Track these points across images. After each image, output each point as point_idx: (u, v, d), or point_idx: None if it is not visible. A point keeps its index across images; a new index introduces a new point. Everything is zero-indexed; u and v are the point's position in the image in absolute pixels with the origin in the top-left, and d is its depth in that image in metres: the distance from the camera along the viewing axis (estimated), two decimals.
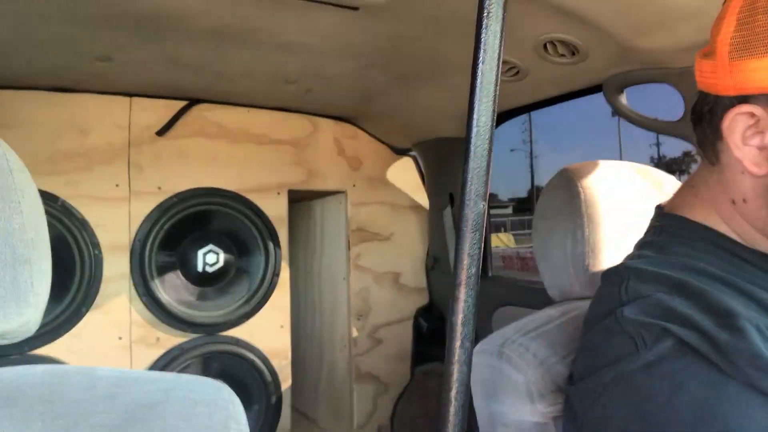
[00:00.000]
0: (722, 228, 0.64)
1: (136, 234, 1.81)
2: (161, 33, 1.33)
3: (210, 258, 1.94)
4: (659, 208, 0.73)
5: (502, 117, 1.85)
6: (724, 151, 0.62)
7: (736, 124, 0.59)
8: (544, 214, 0.95)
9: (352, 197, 2.21)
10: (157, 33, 1.32)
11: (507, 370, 0.76)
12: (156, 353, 1.83)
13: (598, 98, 1.43)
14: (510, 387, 0.75)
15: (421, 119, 2.01)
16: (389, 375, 2.26)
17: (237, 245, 2.00)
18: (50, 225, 0.50)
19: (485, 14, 0.58)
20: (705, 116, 0.63)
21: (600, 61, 1.29)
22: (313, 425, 2.51)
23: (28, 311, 0.47)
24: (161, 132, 1.86)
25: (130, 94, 1.82)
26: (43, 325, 1.67)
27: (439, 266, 2.25)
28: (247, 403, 1.94)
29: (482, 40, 0.58)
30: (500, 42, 0.59)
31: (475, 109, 0.59)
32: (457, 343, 0.61)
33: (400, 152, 2.32)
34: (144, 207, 1.82)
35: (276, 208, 2.03)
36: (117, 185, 1.79)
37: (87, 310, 1.72)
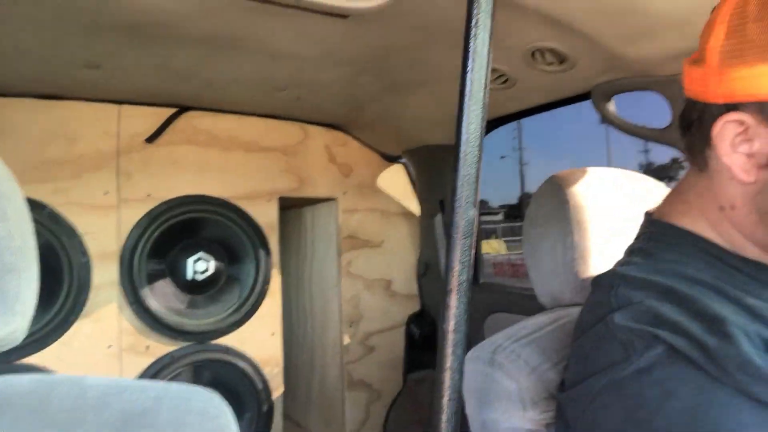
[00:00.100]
0: (710, 234, 0.65)
1: (126, 242, 1.79)
2: (151, 40, 1.32)
3: (200, 266, 1.93)
4: (648, 215, 0.73)
5: (491, 125, 1.86)
6: (713, 157, 0.62)
7: (725, 131, 0.59)
8: (534, 221, 0.95)
9: (342, 204, 2.20)
10: (146, 40, 1.32)
11: (499, 377, 0.76)
12: (146, 361, 1.82)
13: (587, 106, 1.44)
14: (502, 394, 0.75)
15: (411, 126, 2.01)
16: (381, 382, 2.26)
17: (227, 253, 1.99)
18: (38, 233, 0.50)
19: (473, 23, 0.58)
20: (694, 123, 0.64)
21: (588, 69, 1.30)
22: None
23: (15, 320, 0.47)
24: (150, 139, 1.85)
25: (119, 102, 1.81)
26: (31, 334, 1.66)
27: (430, 273, 2.25)
28: (238, 412, 1.92)
29: (471, 48, 0.58)
30: (488, 50, 0.59)
31: (465, 117, 0.59)
32: (449, 351, 0.61)
33: (391, 159, 2.33)
34: (133, 215, 1.81)
35: (266, 216, 2.03)
36: (106, 193, 1.78)
37: (76, 319, 1.70)
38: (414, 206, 2.33)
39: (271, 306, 2.03)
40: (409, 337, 2.29)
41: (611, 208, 0.91)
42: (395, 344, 2.28)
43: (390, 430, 2.25)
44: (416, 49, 1.38)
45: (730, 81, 0.58)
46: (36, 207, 1.65)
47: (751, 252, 0.63)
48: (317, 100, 1.87)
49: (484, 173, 0.62)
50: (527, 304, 1.71)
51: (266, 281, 2.01)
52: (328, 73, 1.59)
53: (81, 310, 1.71)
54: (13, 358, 1.61)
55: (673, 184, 0.75)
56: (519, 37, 1.22)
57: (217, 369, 1.94)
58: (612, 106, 1.39)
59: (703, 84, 0.61)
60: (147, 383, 0.52)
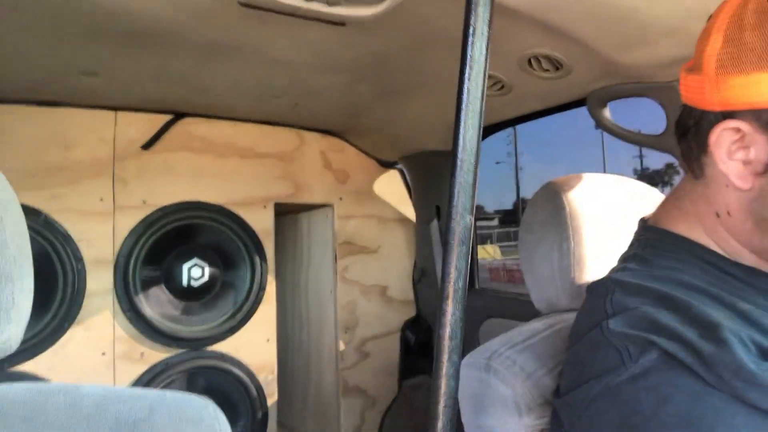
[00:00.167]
0: (706, 241, 0.65)
1: (120, 248, 1.79)
2: (147, 47, 1.32)
3: (195, 272, 1.93)
4: (643, 221, 0.74)
5: (487, 130, 1.87)
6: (709, 164, 0.62)
7: (722, 139, 0.60)
8: (531, 227, 0.95)
9: (338, 210, 2.20)
10: (143, 47, 1.32)
11: (494, 383, 0.76)
12: (140, 369, 1.81)
13: (582, 112, 1.45)
14: (497, 400, 0.75)
15: (407, 133, 2.02)
16: (377, 389, 2.25)
17: (222, 259, 1.98)
18: (33, 239, 0.49)
19: (471, 31, 0.59)
20: (690, 130, 0.64)
21: (583, 76, 1.31)
22: None
23: (9, 328, 0.47)
24: (146, 146, 1.85)
25: (115, 108, 1.81)
26: (24, 341, 1.65)
27: (426, 279, 2.25)
28: (233, 419, 1.91)
29: (468, 56, 0.59)
30: (486, 58, 0.59)
31: (462, 124, 0.59)
32: (445, 357, 0.61)
33: (387, 165, 2.33)
34: (128, 221, 1.81)
35: (262, 222, 2.03)
36: (101, 199, 1.77)
37: (69, 326, 1.70)
38: (410, 212, 2.33)
39: (267, 312, 2.03)
40: (405, 343, 2.29)
41: (607, 214, 0.92)
42: (391, 350, 2.28)
43: None
44: (412, 57, 1.38)
45: (726, 89, 0.58)
46: (32, 213, 1.65)
47: (747, 258, 0.63)
48: (314, 106, 1.87)
49: (480, 179, 0.63)
50: (523, 310, 1.71)
51: (261, 287, 2.01)
52: (325, 80, 1.60)
53: (75, 317, 1.71)
54: (6, 366, 1.60)
55: (668, 189, 0.76)
56: (515, 44, 1.23)
57: (212, 376, 1.93)
58: (607, 113, 1.40)
59: (700, 91, 0.61)
60: (142, 392, 0.52)
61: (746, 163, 0.59)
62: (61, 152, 1.72)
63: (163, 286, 1.89)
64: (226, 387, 1.94)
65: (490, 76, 1.41)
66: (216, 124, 1.97)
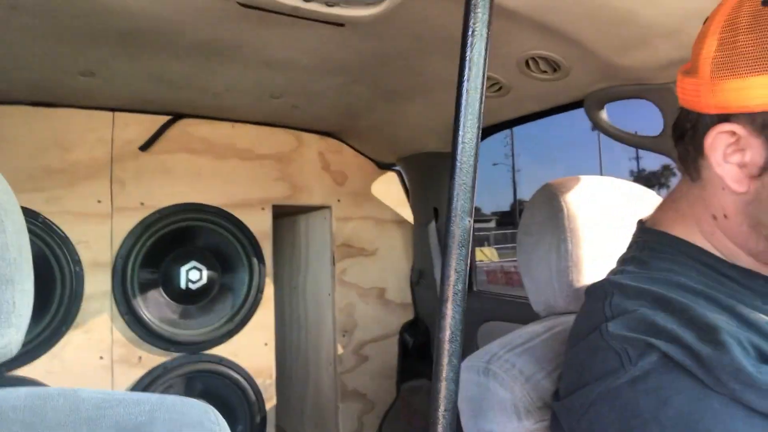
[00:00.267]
0: (703, 243, 0.65)
1: (118, 251, 1.78)
2: (146, 48, 1.32)
3: (193, 275, 1.92)
4: (641, 223, 0.74)
5: (485, 132, 1.87)
6: (706, 167, 0.63)
7: (717, 142, 0.60)
8: (528, 229, 0.95)
9: (336, 212, 2.20)
10: (141, 48, 1.32)
11: (494, 386, 0.76)
12: (138, 373, 1.80)
13: (579, 114, 1.45)
14: (497, 404, 0.75)
15: (405, 134, 2.02)
16: (375, 392, 2.24)
17: (220, 262, 1.98)
18: (31, 242, 0.49)
19: (470, 33, 0.59)
20: (687, 133, 0.64)
21: (581, 78, 1.31)
22: None
23: (10, 332, 0.46)
24: (144, 147, 1.85)
25: (113, 109, 1.81)
26: (22, 345, 1.64)
27: (424, 281, 2.25)
28: (231, 423, 1.91)
29: (467, 58, 0.59)
30: (485, 59, 0.59)
31: (461, 126, 0.59)
32: (445, 360, 0.61)
33: (385, 167, 2.33)
34: (126, 223, 1.80)
35: (260, 224, 2.02)
36: (99, 201, 1.77)
37: (67, 329, 1.69)
38: (408, 214, 2.33)
39: (265, 315, 2.02)
40: (403, 346, 2.29)
41: (604, 216, 0.92)
42: (389, 353, 2.27)
43: None
44: (411, 58, 1.39)
45: (721, 92, 0.58)
46: (30, 216, 1.64)
47: (744, 261, 0.63)
48: (312, 107, 1.87)
49: (477, 180, 0.62)
50: (521, 313, 1.71)
51: (260, 290, 2.00)
52: (323, 81, 1.60)
53: (73, 320, 1.70)
54: (3, 371, 1.59)
55: (664, 191, 0.76)
56: (513, 46, 1.23)
57: (210, 380, 1.92)
58: (604, 114, 1.40)
59: (696, 94, 0.61)
60: (141, 396, 0.52)
61: (742, 166, 0.59)
62: (59, 153, 1.72)
63: (161, 289, 1.88)
64: (225, 391, 1.93)
65: (488, 78, 1.41)
66: (214, 125, 1.97)
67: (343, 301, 2.20)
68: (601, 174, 1.00)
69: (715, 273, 0.63)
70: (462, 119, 0.59)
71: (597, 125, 1.41)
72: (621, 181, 1.00)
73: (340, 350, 2.18)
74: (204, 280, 1.94)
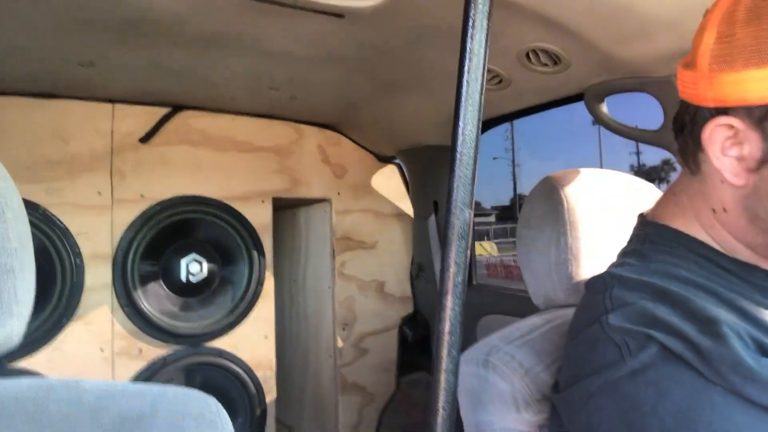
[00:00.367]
0: (703, 236, 0.65)
1: (119, 243, 1.78)
2: (145, 39, 1.32)
3: (193, 267, 1.92)
4: (641, 217, 0.74)
5: (485, 125, 1.86)
6: (705, 161, 0.63)
7: (715, 135, 0.60)
8: (528, 222, 0.95)
9: (336, 205, 2.20)
10: (141, 39, 1.31)
11: (493, 379, 0.76)
12: (138, 365, 1.80)
13: (580, 107, 1.45)
14: (496, 396, 0.76)
15: (405, 127, 2.01)
16: (375, 385, 2.25)
17: (221, 254, 1.98)
18: (31, 234, 0.49)
19: (470, 24, 0.59)
20: (686, 126, 0.64)
21: (582, 70, 1.31)
22: None
23: (12, 322, 0.46)
24: (144, 139, 1.84)
25: (113, 101, 1.80)
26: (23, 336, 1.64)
27: (423, 274, 2.25)
28: (231, 416, 1.91)
29: (468, 49, 0.59)
30: (485, 51, 0.59)
31: (461, 118, 0.59)
32: (444, 352, 0.61)
33: (385, 160, 2.32)
34: (126, 215, 1.80)
35: (260, 217, 2.02)
36: (99, 193, 1.77)
37: (68, 321, 1.69)
38: (407, 207, 2.33)
39: (265, 308, 2.02)
40: (403, 339, 2.29)
41: (604, 209, 0.92)
42: (388, 346, 2.28)
43: None
44: (411, 50, 1.38)
45: (719, 85, 0.58)
46: (30, 207, 1.64)
47: (743, 254, 0.63)
48: (311, 99, 1.87)
49: (477, 174, 0.62)
50: (521, 306, 1.71)
51: (260, 283, 2.01)
52: (323, 73, 1.59)
53: (73, 312, 1.70)
54: (5, 362, 1.59)
55: (664, 185, 0.76)
56: (514, 38, 1.22)
57: (210, 372, 1.92)
58: (605, 108, 1.40)
59: (695, 87, 0.61)
60: (143, 387, 0.52)
61: (740, 159, 0.59)
62: (59, 145, 1.72)
63: (161, 282, 1.88)
64: (225, 383, 1.94)
65: (488, 70, 1.41)
66: (214, 118, 1.97)
67: (343, 294, 2.21)
68: (602, 168, 1.00)
69: (714, 266, 0.63)
70: (462, 111, 0.59)
71: (597, 118, 1.41)
72: (621, 174, 1.00)
73: (339, 343, 2.19)
74: (204, 273, 1.94)
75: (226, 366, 1.94)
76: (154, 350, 1.83)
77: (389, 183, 2.33)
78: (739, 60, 0.56)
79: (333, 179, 2.20)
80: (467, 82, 0.58)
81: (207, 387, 1.88)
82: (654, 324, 0.55)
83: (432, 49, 1.36)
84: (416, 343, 2.26)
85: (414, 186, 2.27)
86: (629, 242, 0.72)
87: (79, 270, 1.71)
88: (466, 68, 0.58)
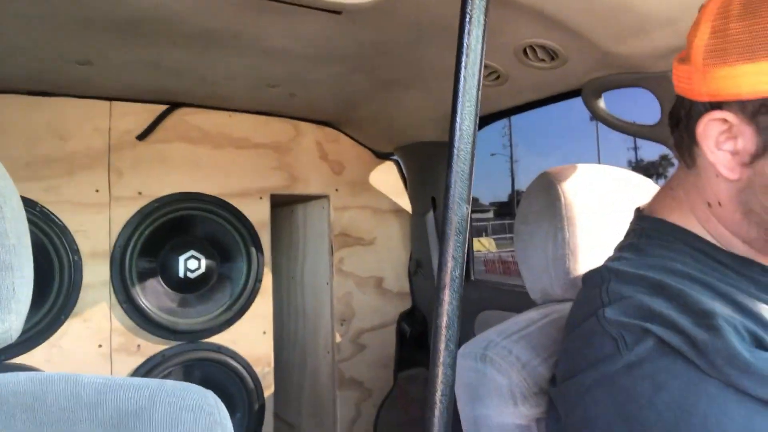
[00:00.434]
0: (699, 230, 0.65)
1: (117, 240, 1.78)
2: (143, 37, 1.31)
3: (191, 264, 1.92)
4: (638, 211, 0.74)
5: (483, 121, 1.86)
6: (700, 155, 0.63)
7: (709, 129, 0.60)
8: (525, 218, 0.95)
9: (334, 202, 2.20)
10: (139, 37, 1.31)
11: (490, 373, 0.76)
12: (137, 361, 1.81)
13: (577, 103, 1.45)
14: (493, 390, 0.76)
15: (403, 123, 2.01)
16: (372, 381, 2.26)
17: (219, 251, 1.98)
18: (30, 231, 0.50)
19: (467, 20, 0.59)
20: (682, 120, 0.65)
21: (579, 66, 1.31)
22: None
23: (10, 318, 0.47)
24: (142, 136, 1.84)
25: (111, 98, 1.80)
26: (21, 333, 1.65)
27: (421, 270, 2.26)
28: (230, 411, 1.91)
29: (465, 44, 0.59)
30: (482, 47, 0.59)
31: (458, 114, 0.59)
32: (442, 346, 0.62)
33: (382, 156, 2.32)
34: (124, 212, 1.80)
35: (258, 213, 2.02)
36: (97, 191, 1.77)
37: (66, 318, 1.69)
38: (405, 203, 2.33)
39: (263, 304, 2.03)
40: (400, 335, 2.30)
41: (601, 204, 0.92)
42: (386, 342, 2.28)
43: (381, 429, 2.25)
44: (409, 46, 1.38)
45: (713, 80, 0.58)
46: (27, 205, 1.64)
47: (739, 248, 0.64)
48: (310, 96, 1.87)
49: (475, 170, 0.63)
50: (518, 301, 1.71)
51: (258, 279, 2.01)
52: (321, 70, 1.59)
53: (71, 309, 1.70)
54: (3, 358, 1.60)
55: (662, 181, 0.76)
56: (511, 34, 1.23)
57: (209, 368, 1.93)
58: (602, 103, 1.40)
59: (689, 82, 0.61)
60: (141, 381, 0.52)
61: (734, 153, 0.59)
62: (56, 143, 1.72)
63: (159, 278, 1.89)
64: (223, 379, 1.94)
65: (485, 66, 1.41)
66: (212, 115, 1.97)
67: (341, 291, 2.21)
68: (599, 164, 1.01)
69: (710, 260, 0.63)
70: (459, 106, 0.59)
71: (594, 114, 1.41)
72: (618, 169, 1.00)
73: (337, 339, 2.19)
74: (202, 269, 1.94)
75: (224, 362, 1.94)
76: (153, 346, 1.83)
77: (387, 179, 2.33)
78: (732, 54, 0.56)
79: (331, 176, 2.20)
80: (464, 77, 0.58)
81: (205, 383, 1.87)
82: (650, 317, 0.56)
83: (430, 46, 1.36)
84: (414, 339, 2.27)
85: (412, 182, 2.28)
86: (626, 236, 0.73)
87: (77, 267, 1.72)
88: (463, 64, 0.58)
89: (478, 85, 0.59)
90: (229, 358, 1.95)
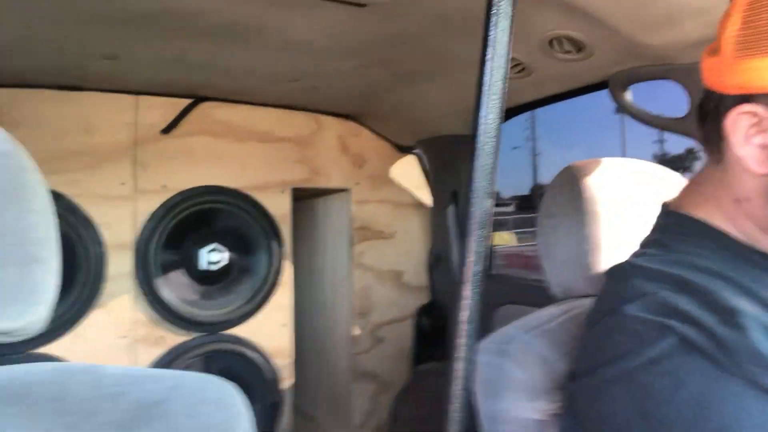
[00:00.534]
0: (726, 226, 0.64)
1: (141, 232, 1.81)
2: (168, 31, 1.33)
3: (214, 256, 1.94)
4: (664, 206, 0.73)
5: (506, 114, 1.84)
6: (728, 149, 0.62)
7: (738, 122, 0.59)
8: (549, 211, 0.94)
9: (355, 195, 2.20)
10: (164, 31, 1.33)
11: (509, 367, 0.76)
12: (159, 352, 1.84)
13: (602, 95, 1.43)
14: (512, 385, 0.75)
15: (425, 117, 2.01)
16: (389, 374, 2.26)
17: (240, 244, 2.00)
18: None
19: (494, 11, 0.58)
20: (710, 114, 0.63)
21: (606, 58, 1.29)
22: (313, 424, 2.51)
23: (38, 309, 0.48)
24: (166, 130, 1.86)
25: (137, 93, 1.82)
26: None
27: (441, 265, 2.25)
28: (248, 402, 1.93)
29: (491, 37, 0.58)
30: (509, 38, 0.59)
31: (483, 107, 0.59)
32: (462, 341, 0.61)
33: (404, 150, 2.32)
34: (149, 205, 1.82)
35: (280, 207, 2.03)
36: (122, 183, 1.79)
37: (90, 309, 1.72)
38: (426, 197, 2.33)
39: (283, 297, 2.04)
40: (418, 329, 2.30)
41: (626, 199, 0.91)
42: (404, 336, 2.29)
43: (397, 422, 2.26)
44: (432, 38, 1.37)
45: (743, 72, 0.57)
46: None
47: (766, 244, 0.62)
48: (332, 90, 1.87)
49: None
50: (538, 296, 1.70)
51: (278, 272, 2.02)
52: (343, 63, 1.59)
53: (95, 300, 1.73)
54: (28, 348, 1.63)
55: (688, 175, 0.75)
56: (537, 25, 1.21)
57: (228, 359, 1.95)
58: (629, 96, 1.38)
59: (719, 74, 0.60)
60: (162, 372, 0.53)
61: (764, 147, 0.58)
62: (83, 136, 1.74)
63: (182, 270, 1.91)
64: (243, 371, 1.96)
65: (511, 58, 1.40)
66: (235, 108, 1.98)
67: (360, 284, 2.22)
68: (624, 157, 0.99)
69: (737, 256, 0.62)
70: (484, 100, 0.58)
71: (621, 106, 1.39)
72: (644, 163, 0.98)
73: (356, 332, 2.20)
74: (224, 262, 1.96)
75: (244, 353, 1.96)
76: (174, 337, 1.86)
77: (408, 173, 2.33)
78: (764, 46, 0.55)
79: (352, 169, 2.20)
80: (490, 70, 0.58)
81: (225, 374, 1.89)
82: (673, 314, 0.55)
83: (453, 37, 1.35)
84: (432, 333, 2.27)
85: (433, 176, 2.27)
86: (651, 232, 0.71)
87: (101, 259, 1.74)
88: (489, 56, 0.58)
89: (504, 77, 0.59)
90: (249, 349, 1.97)
